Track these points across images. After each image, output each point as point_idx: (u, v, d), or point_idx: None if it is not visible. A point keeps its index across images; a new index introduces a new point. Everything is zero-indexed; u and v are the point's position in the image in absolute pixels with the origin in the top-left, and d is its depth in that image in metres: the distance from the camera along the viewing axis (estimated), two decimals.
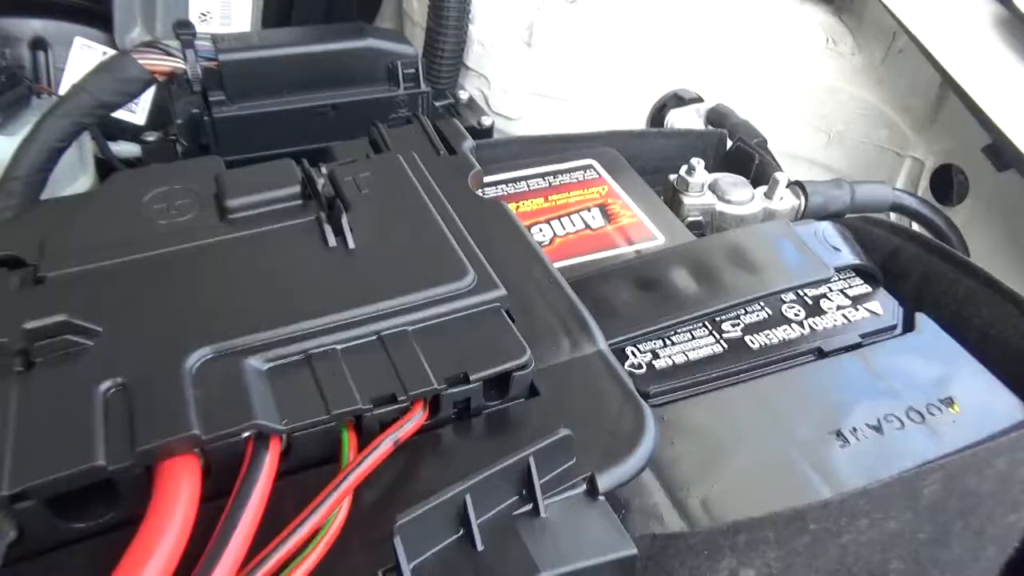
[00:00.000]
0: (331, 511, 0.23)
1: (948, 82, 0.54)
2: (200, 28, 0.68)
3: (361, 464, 0.24)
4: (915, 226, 0.51)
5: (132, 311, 0.28)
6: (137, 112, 0.75)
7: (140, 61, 0.43)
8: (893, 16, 0.57)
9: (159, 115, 0.74)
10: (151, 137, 0.50)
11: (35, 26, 0.70)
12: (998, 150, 0.52)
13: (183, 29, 0.44)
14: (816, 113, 0.65)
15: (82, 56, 0.71)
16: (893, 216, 0.53)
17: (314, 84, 0.46)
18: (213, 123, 0.44)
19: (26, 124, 0.62)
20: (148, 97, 0.75)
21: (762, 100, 0.61)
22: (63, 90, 0.70)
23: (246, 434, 0.24)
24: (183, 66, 0.43)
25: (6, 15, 0.69)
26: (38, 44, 0.70)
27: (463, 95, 0.61)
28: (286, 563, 0.22)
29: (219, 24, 0.66)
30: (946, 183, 0.59)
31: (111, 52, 0.73)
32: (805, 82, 0.64)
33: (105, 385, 0.25)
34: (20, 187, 0.42)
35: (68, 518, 0.24)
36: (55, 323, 0.26)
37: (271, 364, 0.26)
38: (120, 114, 0.74)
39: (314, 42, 0.47)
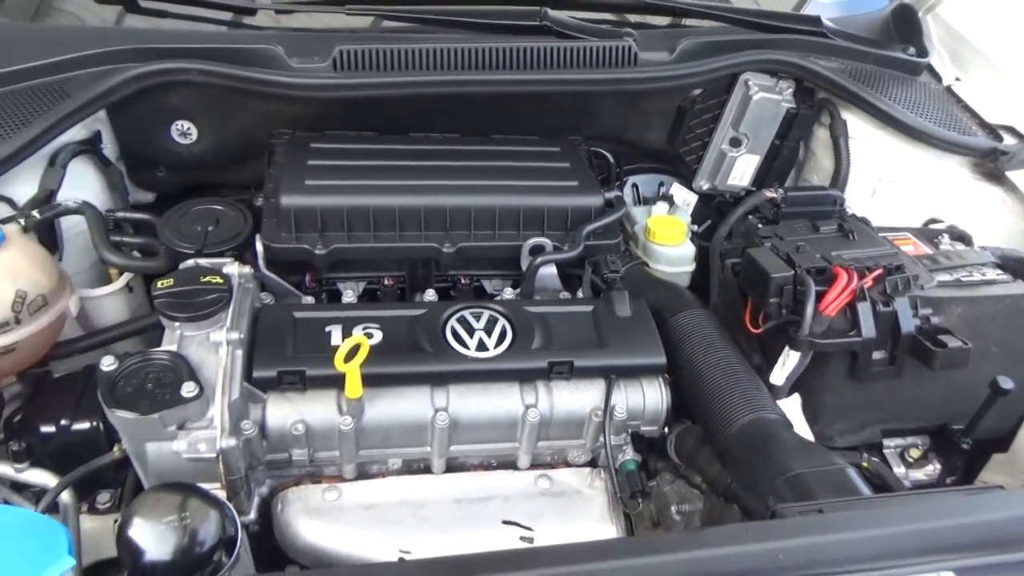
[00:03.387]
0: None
1: None
2: (733, 182, 1.72)
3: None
4: None
5: None
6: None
7: (768, 194, 1.44)
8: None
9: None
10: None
11: (660, 177, 1.79)
12: None
13: (778, 189, 1.45)
14: (1000, 230, 1.55)
15: (678, 190, 1.78)
16: None
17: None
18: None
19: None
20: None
21: (982, 227, 1.50)
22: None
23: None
24: (774, 196, 1.44)
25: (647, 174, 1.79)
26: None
27: None
28: None
29: (738, 180, 1.70)
30: None
31: (686, 191, 1.79)
32: (996, 219, 1.55)
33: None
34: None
35: None
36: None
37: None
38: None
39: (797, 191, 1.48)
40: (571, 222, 1.35)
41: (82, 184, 1.39)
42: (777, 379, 1.20)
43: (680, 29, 1.69)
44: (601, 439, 1.18)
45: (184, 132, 1.50)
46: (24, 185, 1.31)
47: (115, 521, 1.23)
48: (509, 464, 1.20)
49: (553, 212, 1.34)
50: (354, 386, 1.05)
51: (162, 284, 1.08)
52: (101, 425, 1.18)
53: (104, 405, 0.97)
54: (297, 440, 1.09)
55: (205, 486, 1.01)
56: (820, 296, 1.16)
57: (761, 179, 1.71)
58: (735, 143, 1.66)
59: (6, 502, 1.22)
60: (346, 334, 1.14)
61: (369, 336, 1.14)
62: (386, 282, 1.35)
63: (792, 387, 1.22)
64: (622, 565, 0.82)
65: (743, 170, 1.69)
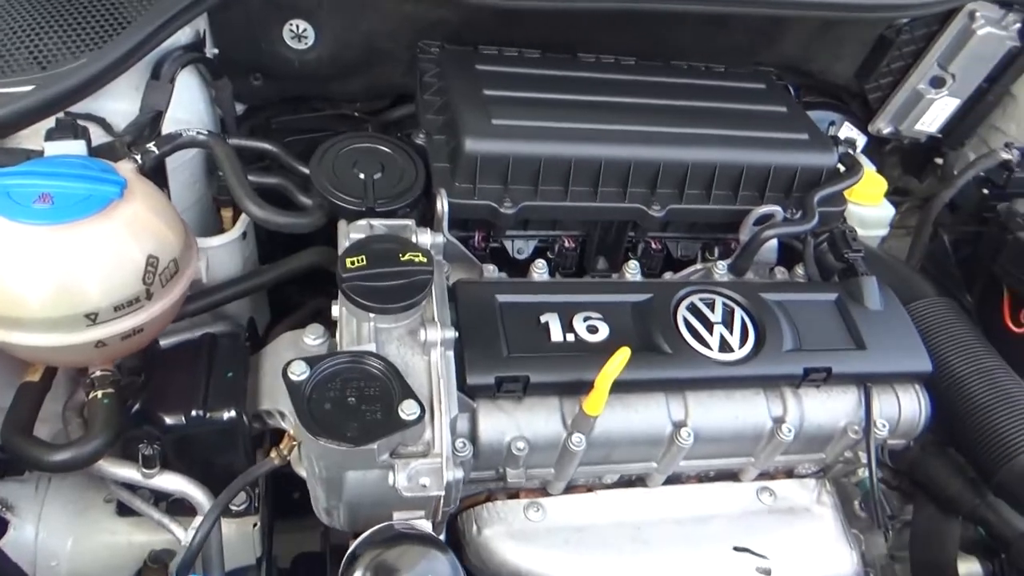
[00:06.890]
0: None
1: None
2: (920, 128, 1.48)
3: None
4: None
5: None
6: None
7: (1002, 155, 1.22)
8: None
9: None
10: None
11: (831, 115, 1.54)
12: None
13: (1013, 149, 1.23)
14: None
15: (848, 130, 1.53)
16: None
17: None
18: None
19: None
20: None
21: None
22: None
23: None
24: (1009, 158, 1.23)
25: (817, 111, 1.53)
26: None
27: None
28: None
29: (927, 126, 1.46)
30: None
31: (857, 131, 1.55)
32: None
33: None
34: None
35: None
36: None
37: None
38: None
39: None
40: (797, 184, 1.11)
41: (185, 100, 1.09)
42: None
43: None
44: (844, 454, 1.01)
45: (299, 34, 1.19)
46: (120, 101, 1.01)
47: (254, 525, 1.05)
48: (727, 475, 1.03)
49: (780, 172, 1.09)
50: (599, 403, 0.84)
51: (352, 262, 0.83)
52: (244, 416, 0.97)
53: (305, 431, 0.75)
54: (513, 459, 0.88)
55: (407, 515, 0.82)
56: None
57: (952, 126, 1.48)
58: (937, 83, 1.41)
59: (121, 505, 1.01)
60: (565, 325, 0.92)
61: (594, 330, 0.92)
62: (566, 244, 1.11)
63: None
64: None
65: (936, 115, 1.45)
